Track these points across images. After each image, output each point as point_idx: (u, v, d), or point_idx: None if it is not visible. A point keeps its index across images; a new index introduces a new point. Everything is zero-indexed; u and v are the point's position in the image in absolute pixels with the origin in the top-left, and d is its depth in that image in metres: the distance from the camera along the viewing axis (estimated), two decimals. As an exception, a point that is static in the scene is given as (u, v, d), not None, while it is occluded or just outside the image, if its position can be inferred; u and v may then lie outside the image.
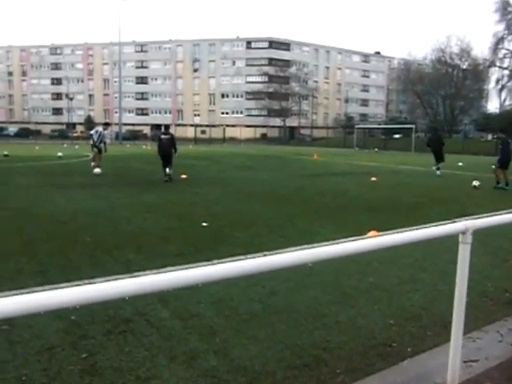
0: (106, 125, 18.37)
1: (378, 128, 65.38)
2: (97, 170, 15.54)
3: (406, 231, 2.66)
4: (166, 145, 14.17)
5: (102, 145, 16.70)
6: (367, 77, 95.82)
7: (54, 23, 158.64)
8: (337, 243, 2.40)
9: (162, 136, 14.60)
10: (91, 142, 17.11)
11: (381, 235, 6.23)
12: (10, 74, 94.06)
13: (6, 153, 25.38)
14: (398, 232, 2.57)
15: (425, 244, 4.60)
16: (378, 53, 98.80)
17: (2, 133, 67.03)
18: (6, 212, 8.49)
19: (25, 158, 24.16)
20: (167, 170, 14.01)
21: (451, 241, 2.79)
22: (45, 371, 2.94)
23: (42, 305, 1.50)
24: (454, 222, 2.81)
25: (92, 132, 17.25)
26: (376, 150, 44.77)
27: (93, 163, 16.45)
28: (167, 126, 16.44)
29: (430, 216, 8.49)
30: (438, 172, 17.48)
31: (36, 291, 1.56)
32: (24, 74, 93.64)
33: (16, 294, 1.50)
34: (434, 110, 70.27)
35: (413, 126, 46.90)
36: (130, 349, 3.24)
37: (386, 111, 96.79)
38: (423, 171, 19.87)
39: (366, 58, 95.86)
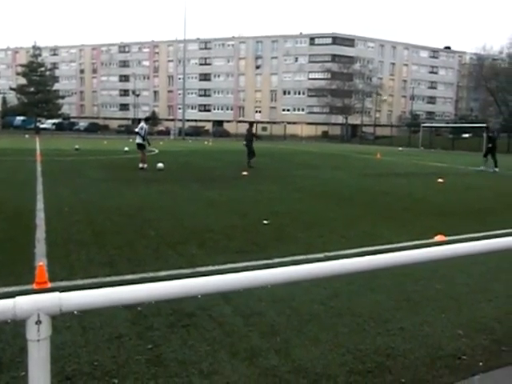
0: (148, 120, 17.67)
1: (446, 127, 62.49)
2: (160, 165, 15.86)
3: (476, 239, 2.51)
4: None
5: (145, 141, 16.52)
6: (435, 73, 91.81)
7: (123, 22, 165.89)
8: (403, 249, 2.31)
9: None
10: (140, 140, 16.49)
11: (448, 241, 5.97)
12: (82, 71, 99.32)
13: (77, 147, 26.86)
14: (468, 239, 2.44)
15: (500, 252, 4.33)
16: (448, 48, 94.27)
17: (74, 127, 71.17)
18: (78, 203, 8.98)
19: (94, 151, 25.43)
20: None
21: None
22: (114, 358, 3.07)
23: (121, 298, 1.58)
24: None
25: (137, 130, 16.72)
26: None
27: (141, 164, 16.05)
28: (252, 124, 19.69)
29: (504, 222, 7.99)
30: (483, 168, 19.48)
31: (108, 283, 1.63)
32: (94, 71, 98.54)
33: (88, 285, 1.57)
34: (509, 108, 65.99)
35: (484, 125, 44.43)
36: (193, 342, 3.32)
37: (454, 109, 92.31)
38: (496, 174, 18.78)
39: (434, 53, 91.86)
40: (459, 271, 5.09)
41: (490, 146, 19.93)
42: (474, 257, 4.72)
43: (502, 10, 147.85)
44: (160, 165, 15.95)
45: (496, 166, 19.20)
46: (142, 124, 16.80)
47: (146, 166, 16.05)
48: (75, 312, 1.51)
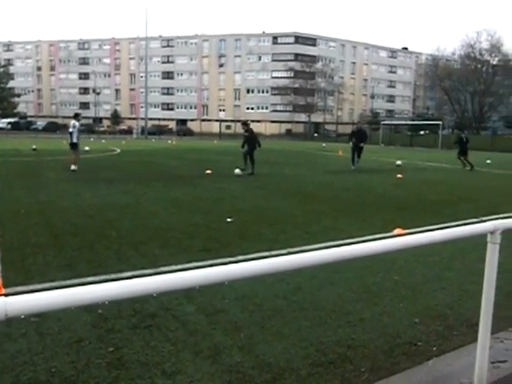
0: (77, 116, 16.07)
1: (405, 124, 64.38)
2: (74, 167, 14.81)
3: (432, 230, 2.61)
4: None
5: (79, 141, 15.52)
6: (394, 73, 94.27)
7: (82, 18, 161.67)
8: (363, 242, 2.38)
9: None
10: (73, 140, 15.21)
11: (407, 233, 6.15)
12: (39, 68, 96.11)
13: (34, 147, 26.00)
14: (425, 231, 2.53)
15: (451, 242, 4.53)
16: (406, 48, 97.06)
17: (31, 127, 68.69)
18: (35, 205, 8.69)
19: (53, 151, 24.66)
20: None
21: (478, 239, 2.73)
22: (73, 364, 2.98)
23: (74, 300, 1.54)
24: (482, 220, 2.76)
25: (71, 130, 15.31)
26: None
27: (73, 166, 14.82)
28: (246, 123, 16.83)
29: (457, 214, 8.36)
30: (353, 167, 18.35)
31: (66, 286, 1.60)
32: (52, 68, 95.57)
33: (47, 289, 1.54)
34: (461, 107, 68.79)
35: (440, 122, 45.97)
36: (156, 343, 3.27)
37: (412, 107, 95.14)
38: (450, 168, 19.51)
39: (393, 53, 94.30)
40: (416, 262, 5.27)
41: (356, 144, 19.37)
42: (429, 248, 4.92)
43: (455, 13, 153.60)
44: (237, 171, 14.72)
45: (356, 162, 18.86)
46: (74, 122, 15.53)
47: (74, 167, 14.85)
48: (22, 316, 1.45)
